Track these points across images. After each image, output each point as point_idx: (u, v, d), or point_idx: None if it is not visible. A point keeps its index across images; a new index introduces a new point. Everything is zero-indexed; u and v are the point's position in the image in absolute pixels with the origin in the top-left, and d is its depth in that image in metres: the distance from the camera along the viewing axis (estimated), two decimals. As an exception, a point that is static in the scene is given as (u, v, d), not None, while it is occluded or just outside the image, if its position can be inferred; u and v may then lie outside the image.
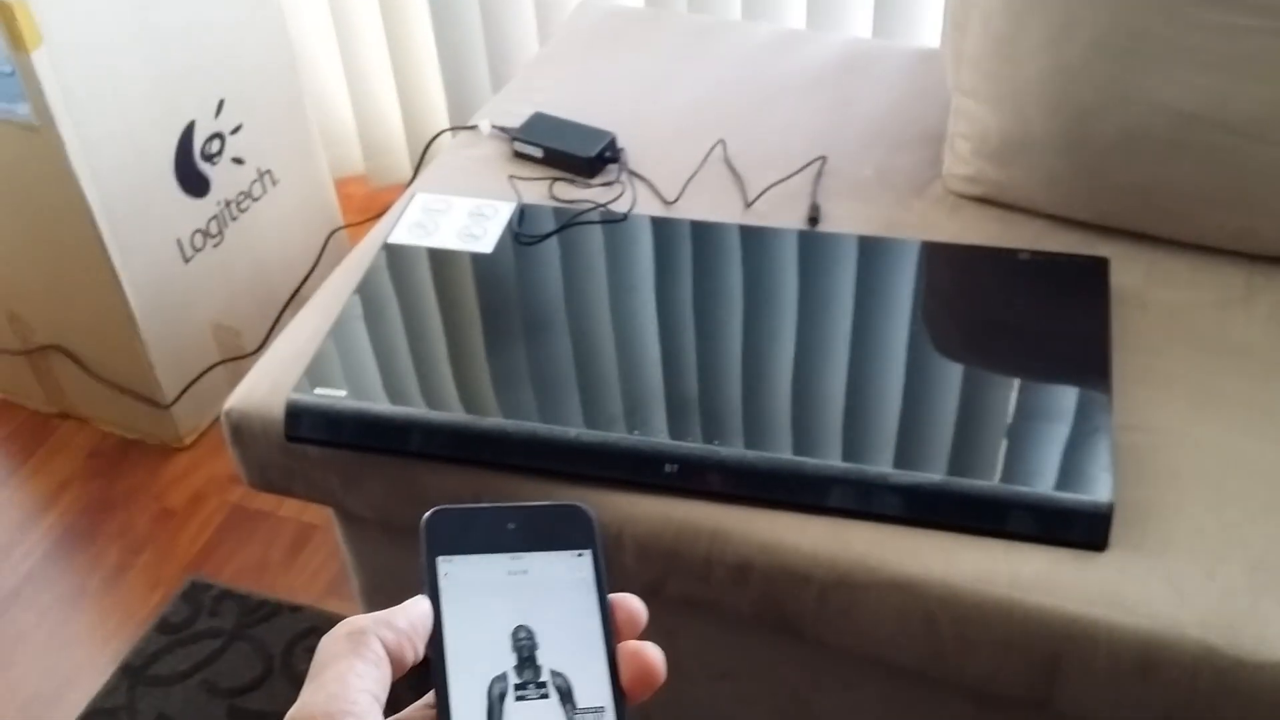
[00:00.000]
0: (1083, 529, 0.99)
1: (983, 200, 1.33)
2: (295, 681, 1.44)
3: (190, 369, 1.73)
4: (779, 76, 1.54)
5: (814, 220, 1.32)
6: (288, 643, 1.48)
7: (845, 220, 1.32)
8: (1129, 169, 1.22)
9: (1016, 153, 1.27)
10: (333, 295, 1.27)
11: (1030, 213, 1.31)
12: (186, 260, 1.67)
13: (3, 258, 1.63)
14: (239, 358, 1.79)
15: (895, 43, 1.61)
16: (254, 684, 1.44)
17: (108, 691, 1.44)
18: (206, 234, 1.70)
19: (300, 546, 1.61)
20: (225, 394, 1.19)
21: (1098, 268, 1.21)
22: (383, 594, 1.40)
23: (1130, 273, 1.23)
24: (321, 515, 1.65)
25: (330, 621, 1.46)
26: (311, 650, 1.53)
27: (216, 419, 1.78)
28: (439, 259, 1.27)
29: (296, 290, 1.87)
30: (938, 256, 1.24)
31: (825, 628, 1.06)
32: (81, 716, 1.42)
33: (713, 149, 1.42)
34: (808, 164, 1.39)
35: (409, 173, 2.15)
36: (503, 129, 1.46)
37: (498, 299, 1.22)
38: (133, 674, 1.46)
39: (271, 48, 1.73)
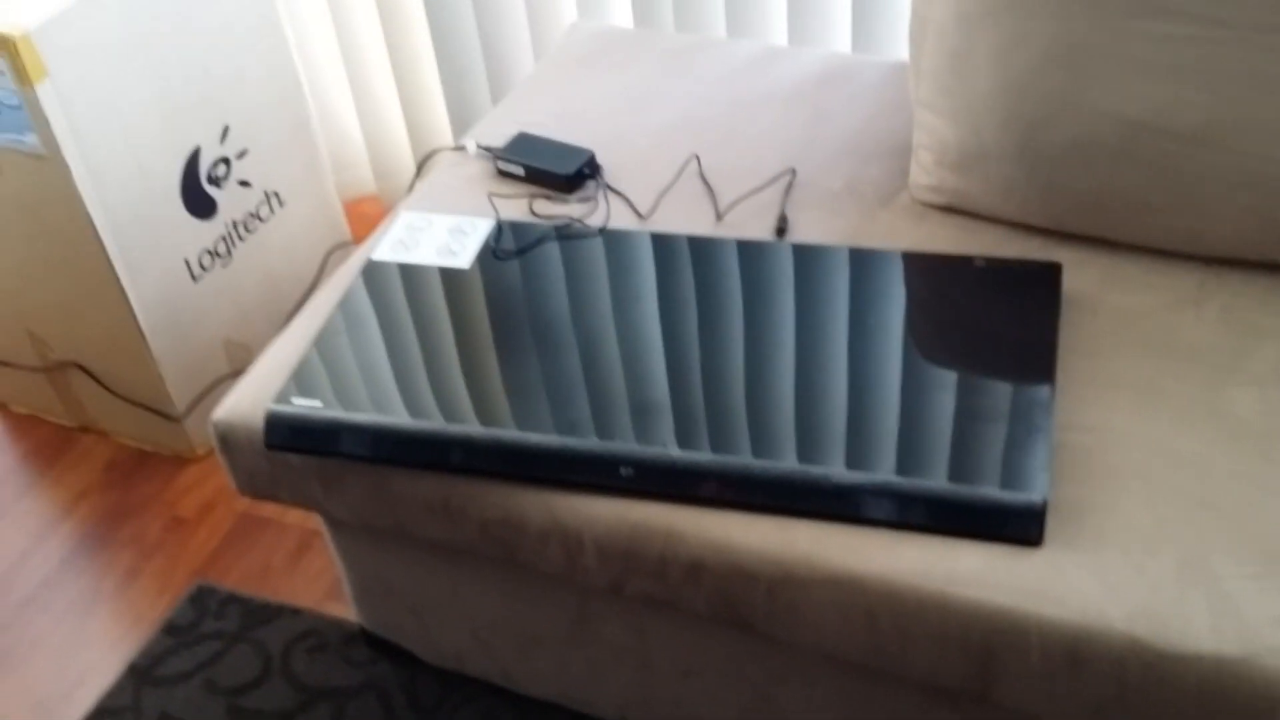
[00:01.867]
0: (1017, 525, 1.03)
1: (947, 209, 1.37)
2: (292, 681, 1.49)
3: (201, 383, 1.80)
4: (757, 92, 1.58)
5: (781, 231, 1.36)
6: (286, 644, 1.54)
7: (812, 231, 1.36)
8: (1080, 177, 1.25)
9: (973, 163, 1.30)
10: (318, 310, 1.34)
11: (991, 220, 1.34)
12: (195, 279, 1.74)
13: (20, 279, 1.71)
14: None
15: (872, 57, 1.65)
16: (253, 684, 1.50)
17: (115, 691, 1.51)
18: (215, 254, 1.77)
19: (303, 552, 1.68)
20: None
21: (1050, 273, 1.24)
22: (372, 596, 1.46)
23: (1085, 277, 1.26)
24: (322, 522, 1.71)
25: (328, 624, 1.52)
26: (309, 651, 1.60)
27: (227, 431, 1.85)
28: (418, 275, 1.33)
29: (301, 305, 1.94)
30: (896, 264, 1.27)
31: (775, 624, 1.10)
32: (88, 715, 1.49)
33: (687, 164, 1.47)
34: (777, 176, 1.43)
35: (418, 191, 2.22)
36: (488, 148, 1.51)
37: (472, 313, 1.27)
38: (139, 675, 1.53)
39: (276, 75, 1.80)
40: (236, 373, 1.86)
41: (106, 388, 1.79)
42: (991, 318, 1.20)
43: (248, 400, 1.26)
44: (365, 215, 2.24)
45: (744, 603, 1.10)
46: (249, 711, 1.47)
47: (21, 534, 1.75)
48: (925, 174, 1.36)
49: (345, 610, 1.58)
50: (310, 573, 1.65)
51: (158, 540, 1.72)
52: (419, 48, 2.02)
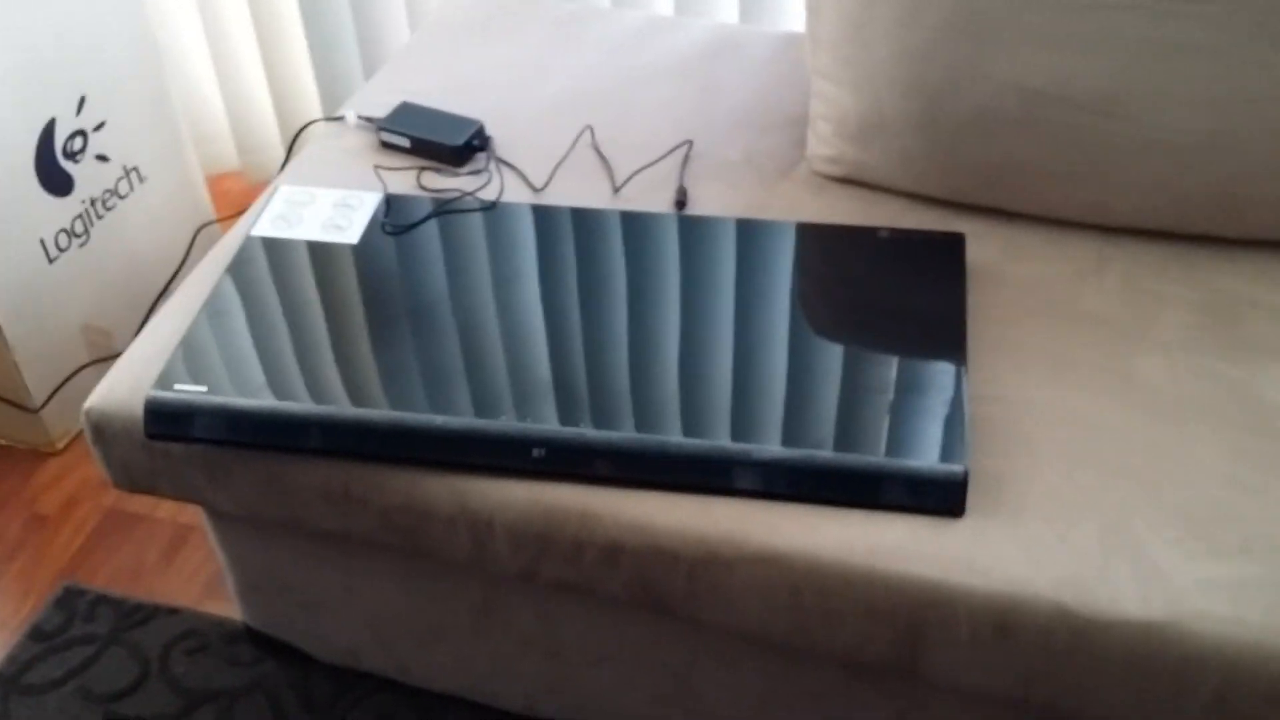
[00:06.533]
0: (938, 497, 1.02)
1: (846, 181, 1.35)
2: (172, 685, 1.41)
3: (59, 371, 1.69)
4: (647, 63, 1.55)
5: (681, 204, 1.33)
6: (165, 646, 1.45)
7: (712, 203, 1.33)
8: (981, 147, 1.25)
9: (873, 134, 1.29)
10: (195, 290, 1.26)
11: (891, 192, 1.33)
12: (51, 260, 1.63)
13: None
14: (110, 358, 1.75)
15: (761, 28, 1.62)
16: (131, 688, 1.41)
17: (-23, 704, 1.41)
18: (72, 233, 1.66)
19: (177, 549, 1.59)
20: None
21: (954, 243, 1.23)
22: (260, 593, 1.39)
23: (987, 248, 1.26)
24: (199, 516, 1.62)
25: (209, 623, 1.44)
26: (189, 653, 1.51)
27: (88, 422, 1.75)
28: (303, 251, 1.25)
29: (166, 288, 1.84)
30: (801, 236, 1.25)
31: (696, 605, 1.08)
32: (-50, 731, 1.39)
33: (580, 135, 1.42)
34: (674, 148, 1.40)
35: (285, 167, 2.12)
36: (369, 119, 1.44)
37: (364, 290, 1.21)
38: (6, 683, 1.42)
39: (133, 43, 1.69)
40: (96, 361, 1.75)
41: (-46, 379, 1.67)
42: (899, 289, 1.19)
43: (123, 386, 1.17)
44: (227, 192, 2.14)
45: (663, 585, 1.07)
46: (128, 718, 1.38)
47: None
48: (824, 145, 1.35)
49: (227, 608, 1.50)
50: (186, 570, 1.56)
51: (18, 540, 1.61)
52: (285, 15, 1.93)
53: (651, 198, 1.34)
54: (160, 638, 1.46)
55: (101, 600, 1.51)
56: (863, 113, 1.28)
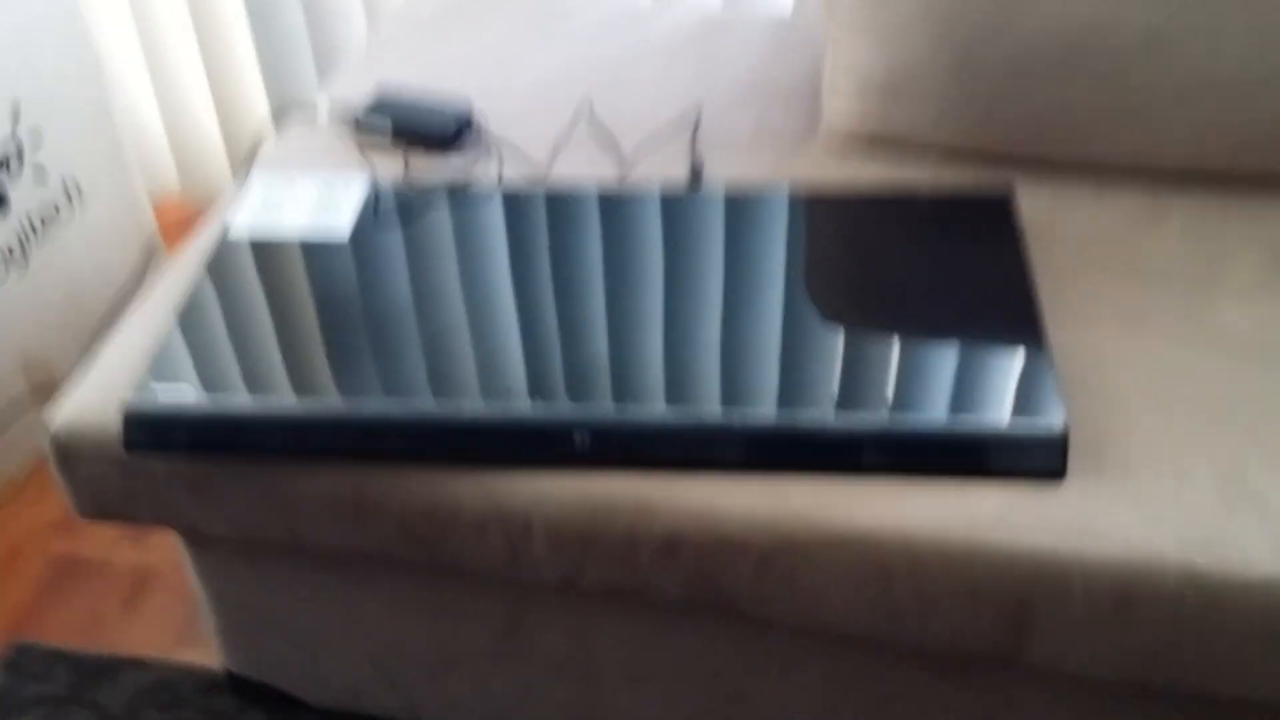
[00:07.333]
0: (1040, 457, 0.91)
1: (870, 141, 1.26)
2: (149, 744, 1.25)
3: (-4, 410, 1.53)
4: (637, 45, 1.45)
5: (697, 176, 1.22)
6: (132, 702, 1.29)
7: (730, 174, 1.22)
8: (1021, 94, 1.16)
9: (903, 85, 1.20)
10: (167, 292, 1.12)
11: (922, 147, 1.24)
12: (-14, 285, 1.48)
13: None
14: (49, 392, 1.59)
15: (746, 12, 1.54)
16: (100, 752, 1.25)
17: (-77, 781, 1.24)
18: (9, 258, 1.50)
19: (140, 595, 1.42)
20: (38, 435, 1.03)
21: (1002, 199, 1.14)
22: (245, 632, 1.23)
23: (1034, 202, 1.16)
24: (163, 558, 1.46)
25: (182, 674, 1.29)
26: (161, 708, 1.32)
27: (32, 465, 1.59)
28: (291, 242, 1.12)
29: (114, 314, 1.69)
30: (843, 206, 1.15)
31: (766, 600, 0.95)
32: (-108, 814, 1.21)
33: (580, 114, 1.31)
34: (681, 122, 1.29)
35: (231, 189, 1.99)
36: (346, 106, 1.32)
37: (362, 279, 1.08)
38: (-48, 758, 1.25)
39: (72, 48, 1.56)
40: (37, 394, 1.58)
41: (-123, 422, 1.50)
42: (955, 251, 1.10)
43: (94, 401, 1.03)
44: (165, 218, 1.98)
45: (729, 579, 0.95)
46: (98, 786, 1.22)
47: None
48: (845, 102, 1.25)
49: (202, 655, 1.34)
50: (152, 617, 1.40)
51: (-44, 598, 1.44)
52: (231, 26, 1.80)
53: (663, 172, 1.23)
54: (127, 693, 1.30)
55: (57, 657, 1.34)
56: (891, 64, 1.19)
